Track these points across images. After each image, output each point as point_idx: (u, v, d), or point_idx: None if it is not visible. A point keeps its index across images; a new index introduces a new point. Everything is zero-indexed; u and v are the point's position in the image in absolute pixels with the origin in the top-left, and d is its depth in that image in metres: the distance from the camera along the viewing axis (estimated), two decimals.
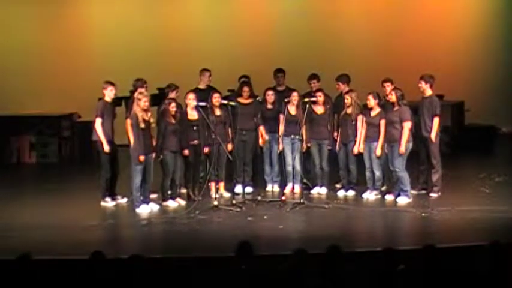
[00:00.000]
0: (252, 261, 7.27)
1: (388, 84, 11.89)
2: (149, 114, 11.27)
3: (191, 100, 11.77)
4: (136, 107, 11.10)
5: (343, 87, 12.30)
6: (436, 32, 16.75)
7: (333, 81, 12.51)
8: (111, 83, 11.67)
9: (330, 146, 12.12)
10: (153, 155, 11.34)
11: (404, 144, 11.30)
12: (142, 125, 11.06)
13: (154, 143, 11.42)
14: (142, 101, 11.11)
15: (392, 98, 11.45)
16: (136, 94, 11.31)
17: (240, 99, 12.27)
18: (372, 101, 11.69)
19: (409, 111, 11.43)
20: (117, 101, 12.15)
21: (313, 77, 12.59)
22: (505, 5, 17.23)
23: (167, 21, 17.22)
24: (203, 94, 12.21)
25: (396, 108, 11.43)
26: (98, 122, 11.49)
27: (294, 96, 12.06)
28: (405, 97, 11.48)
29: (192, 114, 11.81)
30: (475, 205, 10.98)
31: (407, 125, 11.33)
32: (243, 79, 12.88)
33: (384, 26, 16.87)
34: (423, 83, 11.71)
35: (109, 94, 11.64)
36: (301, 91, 12.42)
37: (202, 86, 12.88)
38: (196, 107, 11.73)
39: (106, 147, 11.46)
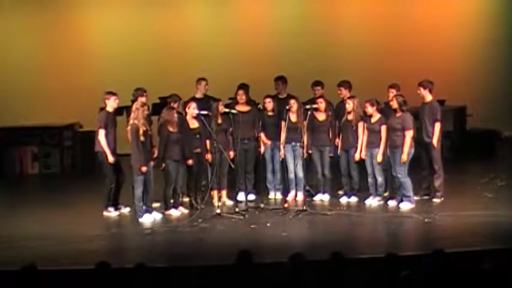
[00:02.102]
0: (253, 269, 7.28)
1: (393, 90, 11.89)
2: (148, 123, 11.29)
3: (194, 109, 11.78)
4: (137, 117, 11.10)
5: (345, 93, 12.32)
6: (438, 37, 16.77)
7: (335, 88, 12.52)
8: (113, 93, 11.69)
9: (331, 153, 12.13)
10: (152, 163, 11.35)
11: (407, 153, 11.31)
12: (142, 138, 11.08)
13: (155, 152, 11.45)
14: (144, 110, 11.15)
15: (394, 104, 11.48)
16: (135, 104, 11.33)
17: (239, 107, 12.29)
18: (370, 109, 11.73)
19: (411, 119, 11.43)
20: (118, 110, 12.16)
21: (317, 83, 12.60)
22: (506, 10, 17.24)
23: (167, 31, 17.24)
24: (201, 103, 12.23)
25: (398, 114, 11.44)
26: (102, 133, 11.49)
27: (291, 103, 12.05)
28: (407, 103, 11.49)
29: (193, 123, 11.83)
30: (478, 210, 10.99)
31: (410, 134, 11.34)
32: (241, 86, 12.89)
33: (385, 31, 16.89)
34: (422, 89, 11.74)
35: (112, 104, 11.66)
36: (303, 98, 12.44)
37: (199, 95, 12.91)
38: (198, 116, 11.75)
39: (110, 158, 11.47)
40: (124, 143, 11.58)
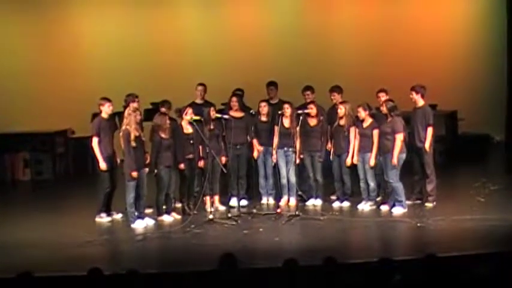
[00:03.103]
0: (245, 275, 7.27)
1: (383, 94, 11.92)
2: (141, 129, 11.28)
3: (190, 115, 11.74)
4: (129, 123, 11.09)
5: (338, 98, 12.34)
6: (429, 42, 16.80)
7: (326, 93, 12.54)
8: (108, 99, 11.68)
9: (321, 158, 12.13)
10: (146, 169, 11.33)
11: (396, 156, 11.32)
12: (133, 143, 11.05)
13: (147, 158, 11.43)
14: (136, 116, 11.14)
15: (384, 110, 11.49)
16: (127, 110, 11.31)
17: (232, 113, 12.28)
18: (362, 113, 11.75)
19: (401, 123, 11.45)
20: (111, 116, 12.13)
21: (307, 88, 12.63)
22: (496, 15, 17.27)
23: (159, 36, 17.22)
24: (200, 108, 12.23)
25: (389, 119, 11.46)
26: (95, 141, 11.47)
27: (285, 108, 12.07)
28: (397, 108, 11.50)
29: (187, 128, 11.82)
30: (470, 214, 10.99)
31: (400, 137, 11.35)
32: (236, 92, 12.89)
33: (376, 37, 16.90)
34: (414, 93, 11.75)
35: (106, 110, 11.65)
36: (295, 103, 12.44)
37: (198, 100, 12.93)
38: (191, 121, 11.73)
39: (102, 165, 11.44)
40: (118, 149, 11.57)
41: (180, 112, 12.01)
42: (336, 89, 12.46)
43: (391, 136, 11.39)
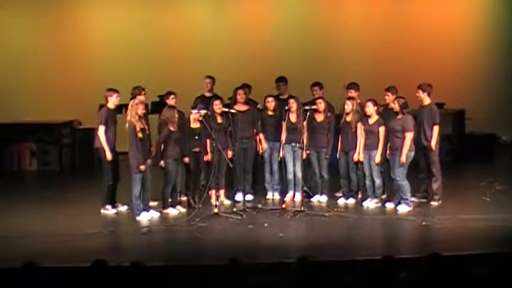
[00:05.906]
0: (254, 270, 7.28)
1: (389, 93, 11.87)
2: (144, 122, 11.27)
3: (197, 113, 11.70)
4: (132, 115, 11.10)
5: (356, 94, 12.27)
6: (437, 41, 16.77)
7: (336, 88, 12.54)
8: (115, 90, 11.70)
9: (327, 155, 12.12)
10: (149, 161, 11.33)
11: (405, 154, 11.30)
12: (140, 135, 11.06)
13: (153, 151, 11.44)
14: (139, 109, 11.14)
15: (395, 106, 11.45)
16: (131, 102, 11.32)
17: (238, 107, 12.27)
18: (371, 108, 11.71)
19: (412, 121, 11.41)
20: (118, 108, 12.15)
21: (315, 84, 12.61)
22: (505, 13, 17.24)
23: (168, 30, 17.24)
24: (209, 102, 12.23)
25: (399, 116, 11.42)
26: (101, 129, 11.49)
27: (291, 103, 12.05)
28: (408, 105, 11.48)
29: (195, 123, 11.80)
30: (476, 213, 10.97)
31: (410, 136, 11.32)
32: (242, 86, 12.84)
33: (384, 35, 16.88)
34: (421, 92, 11.72)
35: (113, 101, 11.67)
36: (305, 99, 12.42)
37: (207, 93, 12.94)
38: (199, 119, 11.70)
39: (108, 155, 11.47)
40: (124, 141, 11.57)
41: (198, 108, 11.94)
42: (354, 86, 12.38)
43: (400, 134, 11.36)
